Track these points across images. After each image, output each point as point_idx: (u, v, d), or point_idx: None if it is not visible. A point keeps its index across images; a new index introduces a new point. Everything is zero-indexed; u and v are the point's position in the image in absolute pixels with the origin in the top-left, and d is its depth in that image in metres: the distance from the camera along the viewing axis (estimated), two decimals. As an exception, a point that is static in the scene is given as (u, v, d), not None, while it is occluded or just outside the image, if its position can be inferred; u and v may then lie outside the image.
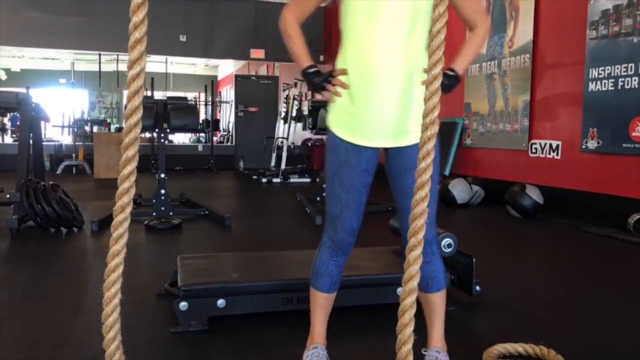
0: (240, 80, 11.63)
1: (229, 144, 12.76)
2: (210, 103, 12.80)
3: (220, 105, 15.71)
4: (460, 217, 5.00)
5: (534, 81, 5.26)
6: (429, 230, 1.52)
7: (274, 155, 9.20)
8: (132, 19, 0.85)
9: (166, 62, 13.91)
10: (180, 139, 14.46)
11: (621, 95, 4.26)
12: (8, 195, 3.93)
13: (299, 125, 9.29)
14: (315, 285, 1.65)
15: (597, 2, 4.50)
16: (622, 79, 4.25)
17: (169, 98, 5.68)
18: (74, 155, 9.45)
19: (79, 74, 15.21)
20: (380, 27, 1.44)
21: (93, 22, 8.96)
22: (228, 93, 15.69)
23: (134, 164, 0.88)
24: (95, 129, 11.39)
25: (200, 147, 11.44)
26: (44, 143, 5.39)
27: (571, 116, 4.81)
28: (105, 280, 0.90)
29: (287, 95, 9.92)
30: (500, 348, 1.83)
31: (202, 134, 12.08)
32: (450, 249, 2.33)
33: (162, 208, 4.38)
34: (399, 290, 1.08)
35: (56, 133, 12.32)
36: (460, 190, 5.39)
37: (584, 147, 4.63)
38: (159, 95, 9.73)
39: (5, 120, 11.36)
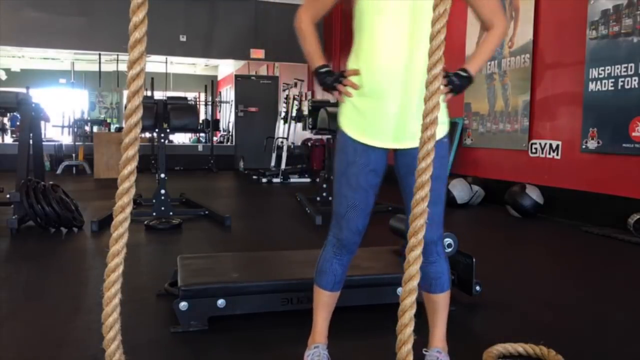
0: (240, 80, 11.63)
1: (229, 144, 12.76)
2: (210, 103, 12.80)
3: (220, 105, 15.72)
4: (460, 217, 5.00)
5: (534, 81, 5.26)
6: (434, 230, 1.53)
7: (274, 155, 9.20)
8: (132, 19, 0.85)
9: (166, 62, 13.92)
10: (180, 139, 14.47)
11: (621, 95, 4.26)
12: (8, 195, 3.93)
13: (299, 125, 9.30)
14: (318, 283, 1.65)
15: (597, 2, 4.50)
16: (622, 79, 4.25)
17: (169, 98, 5.68)
18: (74, 155, 9.46)
19: (79, 74, 15.22)
20: (395, 27, 1.43)
21: (93, 22, 8.96)
22: (228, 93, 15.69)
23: (134, 164, 0.88)
24: (95, 129, 11.40)
25: (200, 147, 11.44)
26: (44, 143, 5.39)
27: (571, 116, 4.81)
28: (105, 280, 0.90)
29: (287, 95, 9.93)
30: (500, 348, 1.83)
31: (202, 134, 12.09)
32: (450, 249, 2.33)
33: (162, 208, 4.38)
34: (399, 290, 1.08)
35: (56, 133, 12.33)
36: (460, 190, 5.39)
37: (584, 147, 4.63)
38: (159, 95, 9.74)
39: (5, 120, 11.37)
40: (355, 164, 1.52)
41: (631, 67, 4.17)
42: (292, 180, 8.23)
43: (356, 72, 1.50)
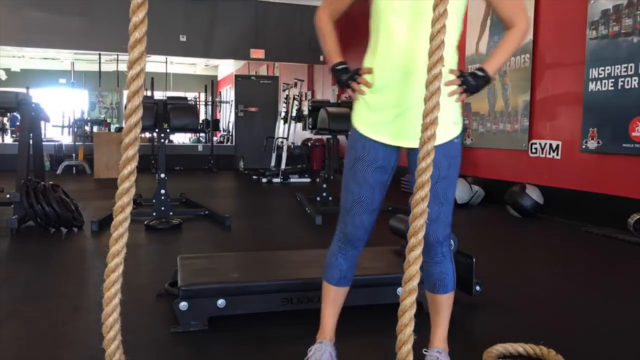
0: (240, 80, 11.63)
1: (229, 144, 12.76)
2: (210, 103, 12.80)
3: (220, 105, 15.72)
4: (460, 217, 4.99)
5: (534, 81, 5.26)
6: (441, 230, 1.53)
7: (274, 155, 9.20)
8: (132, 19, 0.85)
9: (166, 62, 13.93)
10: (180, 139, 14.47)
11: (621, 95, 4.26)
12: (8, 195, 3.93)
13: (299, 125, 9.30)
14: (325, 277, 1.67)
15: (597, 2, 4.50)
16: (622, 79, 4.25)
17: (169, 98, 5.68)
18: (74, 155, 9.45)
19: (79, 74, 15.22)
20: (410, 26, 1.43)
21: (93, 22, 8.96)
22: (228, 93, 15.70)
23: (134, 164, 0.88)
24: (95, 129, 11.40)
25: (200, 147, 11.44)
26: (44, 143, 5.39)
27: (571, 116, 4.81)
28: (105, 280, 0.90)
29: (287, 95, 9.93)
30: (500, 348, 1.83)
31: (202, 134, 12.09)
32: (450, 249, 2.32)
33: (162, 208, 4.38)
34: (399, 290, 1.08)
35: (56, 133, 12.33)
36: (460, 190, 5.39)
37: (584, 147, 4.63)
38: (159, 95, 9.75)
39: (5, 120, 11.37)
40: (362, 159, 1.53)
41: (631, 67, 4.17)
42: (292, 180, 8.23)
43: (370, 71, 1.51)
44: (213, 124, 11.28)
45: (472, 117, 6.21)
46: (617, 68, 4.29)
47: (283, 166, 8.41)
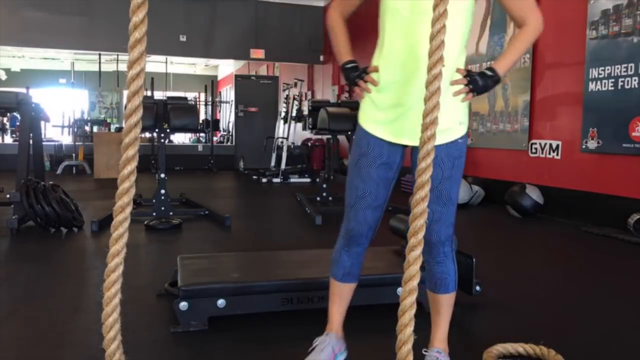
0: (240, 80, 11.63)
1: (229, 144, 12.76)
2: (210, 103, 12.80)
3: (220, 105, 15.72)
4: (460, 217, 4.96)
5: (534, 81, 5.26)
6: (443, 230, 1.53)
7: (274, 155, 9.20)
8: (132, 19, 0.85)
9: (166, 62, 13.92)
10: (180, 139, 14.47)
11: (621, 95, 4.26)
12: (8, 195, 3.93)
13: (299, 125, 9.30)
14: (331, 273, 1.70)
15: (597, 2, 4.50)
16: (622, 79, 4.25)
17: (169, 98, 5.68)
18: (74, 155, 9.45)
19: (79, 74, 15.22)
20: (416, 25, 1.43)
21: (93, 22, 8.96)
22: (228, 93, 15.70)
23: (134, 164, 0.88)
24: (95, 129, 11.40)
25: (200, 147, 11.44)
26: (44, 143, 5.39)
27: (571, 116, 4.81)
28: (105, 280, 0.90)
29: (287, 95, 9.93)
30: (500, 348, 1.83)
31: (202, 134, 12.09)
32: (450, 249, 2.32)
33: (162, 208, 4.38)
34: (399, 290, 1.08)
35: (56, 133, 12.33)
36: (460, 190, 5.39)
37: (584, 147, 4.63)
38: (159, 95, 9.75)
39: (5, 120, 11.37)
40: (367, 155, 1.54)
41: (631, 67, 4.17)
42: (292, 180, 8.23)
43: (376, 69, 1.52)
44: (213, 124, 11.28)
45: (472, 117, 6.21)
46: (617, 68, 4.29)
47: (283, 166, 8.41)
